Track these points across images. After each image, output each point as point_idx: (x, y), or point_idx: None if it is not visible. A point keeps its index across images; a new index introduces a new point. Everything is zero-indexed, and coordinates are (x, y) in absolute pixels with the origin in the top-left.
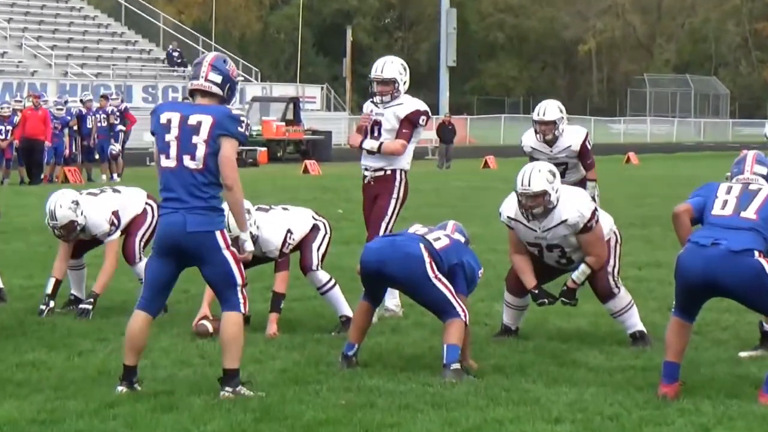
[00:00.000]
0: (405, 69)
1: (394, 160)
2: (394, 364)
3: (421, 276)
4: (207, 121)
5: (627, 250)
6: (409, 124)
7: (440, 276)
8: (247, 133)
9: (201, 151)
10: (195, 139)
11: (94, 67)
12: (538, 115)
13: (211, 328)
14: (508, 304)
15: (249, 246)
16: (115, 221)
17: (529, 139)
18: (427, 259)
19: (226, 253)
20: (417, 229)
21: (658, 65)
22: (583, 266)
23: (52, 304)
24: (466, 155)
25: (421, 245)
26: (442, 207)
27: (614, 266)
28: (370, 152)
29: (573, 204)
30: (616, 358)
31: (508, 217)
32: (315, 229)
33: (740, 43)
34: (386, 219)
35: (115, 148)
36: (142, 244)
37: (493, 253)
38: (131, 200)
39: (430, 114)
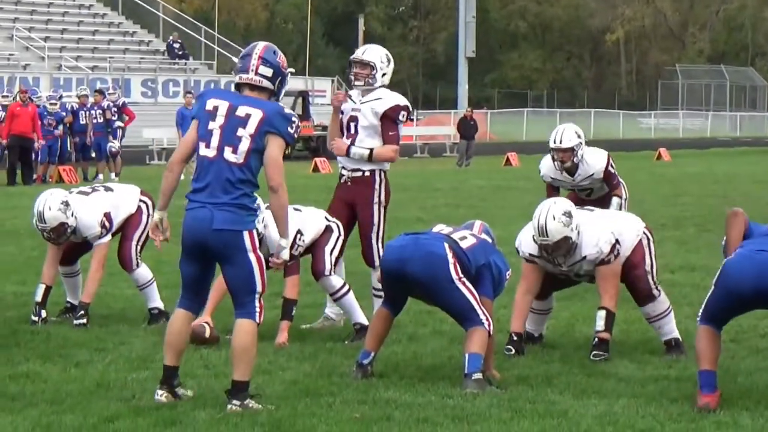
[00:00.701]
0: (389, 60)
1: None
2: (411, 375)
3: (444, 278)
4: (257, 115)
5: (659, 252)
6: (392, 122)
7: (464, 279)
8: (296, 135)
9: (245, 145)
10: (240, 132)
11: (89, 60)
12: (554, 142)
13: (207, 333)
14: (531, 309)
15: (285, 254)
16: (107, 223)
17: (548, 169)
18: (451, 260)
19: (252, 257)
20: (441, 228)
21: (691, 55)
22: (600, 313)
23: (44, 313)
24: (486, 152)
25: (446, 244)
26: (461, 207)
27: (652, 266)
28: (348, 158)
29: (592, 239)
30: (649, 368)
31: (530, 254)
32: (328, 230)
33: None
34: (375, 229)
35: (115, 145)
36: (139, 248)
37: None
38: (124, 199)
39: (410, 109)
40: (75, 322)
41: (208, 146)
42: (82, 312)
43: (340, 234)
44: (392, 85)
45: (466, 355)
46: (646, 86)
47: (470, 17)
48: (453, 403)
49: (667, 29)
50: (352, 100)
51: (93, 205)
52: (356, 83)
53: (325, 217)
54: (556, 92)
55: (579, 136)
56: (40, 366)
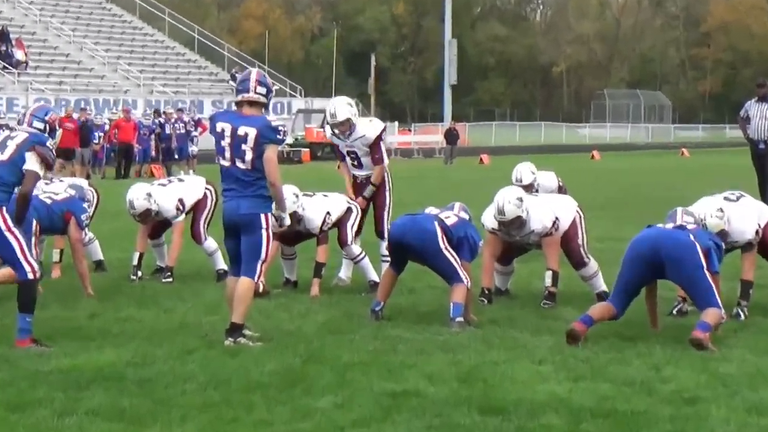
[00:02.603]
0: (352, 104)
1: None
2: (411, 318)
3: (434, 247)
4: (252, 132)
5: (592, 227)
6: (377, 146)
7: (449, 248)
8: (285, 139)
9: (249, 156)
10: (244, 147)
11: (173, 86)
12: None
13: (261, 289)
14: (497, 271)
15: (286, 221)
16: (181, 206)
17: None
18: (439, 234)
19: (264, 233)
20: (431, 210)
21: (615, 82)
22: (547, 273)
23: (139, 273)
24: (465, 154)
25: (436, 222)
26: (447, 193)
27: (582, 239)
28: (358, 169)
29: (538, 217)
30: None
31: (492, 228)
32: (349, 211)
33: (679, 64)
34: (386, 209)
35: (194, 149)
36: (206, 225)
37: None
38: (193, 187)
39: (385, 126)
40: (163, 280)
41: (224, 158)
42: (169, 273)
43: (358, 213)
44: (393, 106)
45: (451, 304)
46: (581, 104)
47: (453, 55)
48: (443, 339)
49: (597, 63)
50: (339, 138)
51: (170, 193)
52: (342, 136)
53: (347, 201)
54: (516, 110)
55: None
56: (137, 311)
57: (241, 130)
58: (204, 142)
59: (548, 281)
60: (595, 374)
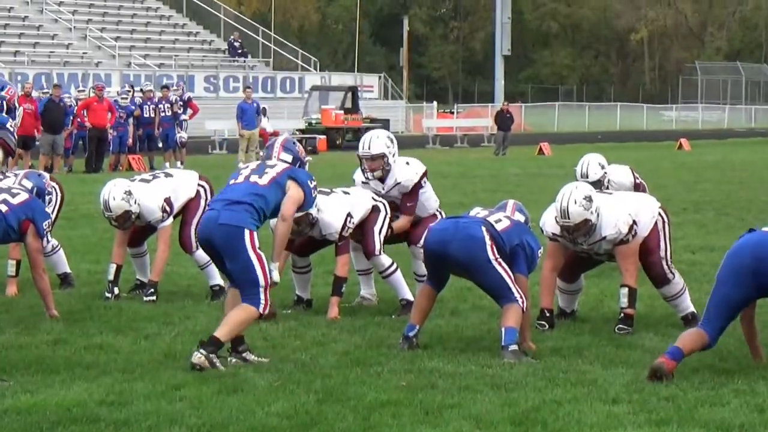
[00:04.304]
0: (393, 141)
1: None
2: (453, 347)
3: (482, 258)
4: (282, 165)
5: (681, 234)
6: (414, 193)
7: (500, 259)
8: (313, 196)
9: (269, 176)
10: (267, 170)
11: (156, 58)
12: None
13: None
14: (560, 290)
15: (276, 276)
16: (167, 208)
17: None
18: (488, 242)
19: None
20: (478, 212)
21: (709, 53)
22: (622, 290)
23: (116, 290)
24: (520, 142)
25: (483, 228)
26: (498, 193)
27: (665, 250)
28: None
29: (611, 221)
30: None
31: (553, 234)
32: (375, 210)
33: None
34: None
35: (184, 136)
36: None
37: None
38: (183, 184)
39: (426, 172)
40: (145, 298)
41: (235, 179)
42: (152, 289)
43: (387, 213)
44: (431, 83)
45: (503, 329)
46: (668, 82)
47: (506, 18)
48: (492, 372)
49: (687, 29)
50: (370, 182)
51: (154, 191)
52: (373, 175)
53: (373, 197)
54: (585, 87)
55: (603, 168)
56: (112, 338)
57: (272, 162)
58: (195, 127)
59: (624, 301)
60: (683, 417)
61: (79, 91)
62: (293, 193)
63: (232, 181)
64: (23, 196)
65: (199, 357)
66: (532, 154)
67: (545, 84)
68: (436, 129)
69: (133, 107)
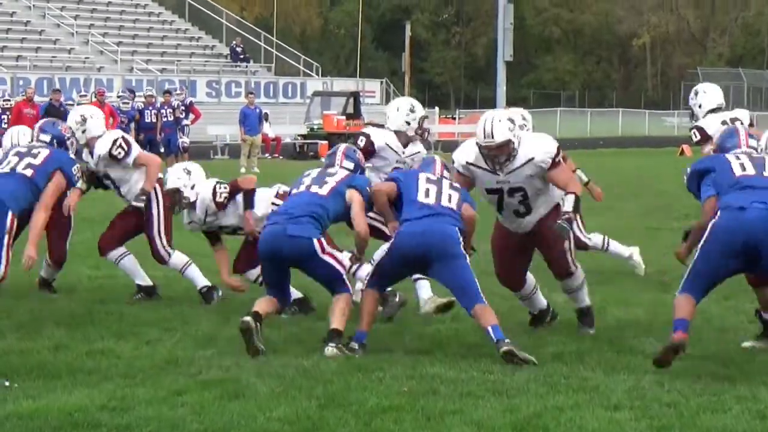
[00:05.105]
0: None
1: None
2: (454, 352)
3: (453, 253)
4: (342, 173)
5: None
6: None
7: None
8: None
9: (329, 185)
10: (328, 179)
11: (158, 63)
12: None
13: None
14: (520, 299)
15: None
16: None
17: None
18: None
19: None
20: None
21: (711, 59)
22: (568, 197)
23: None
24: None
25: (457, 227)
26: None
27: (569, 246)
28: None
29: (538, 143)
30: None
31: (466, 162)
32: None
33: None
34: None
35: (186, 141)
36: (164, 240)
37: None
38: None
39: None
40: (135, 297)
41: (297, 188)
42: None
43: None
44: (433, 89)
45: (488, 329)
46: (670, 87)
47: (508, 24)
48: (494, 378)
49: (689, 35)
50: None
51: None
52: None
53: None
54: (587, 93)
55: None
56: (114, 343)
57: (332, 170)
58: (197, 132)
59: (568, 206)
60: (685, 424)
61: (81, 96)
62: (357, 200)
63: (294, 191)
64: (44, 152)
65: (331, 350)
66: None
67: (547, 90)
68: (438, 134)
69: (134, 112)
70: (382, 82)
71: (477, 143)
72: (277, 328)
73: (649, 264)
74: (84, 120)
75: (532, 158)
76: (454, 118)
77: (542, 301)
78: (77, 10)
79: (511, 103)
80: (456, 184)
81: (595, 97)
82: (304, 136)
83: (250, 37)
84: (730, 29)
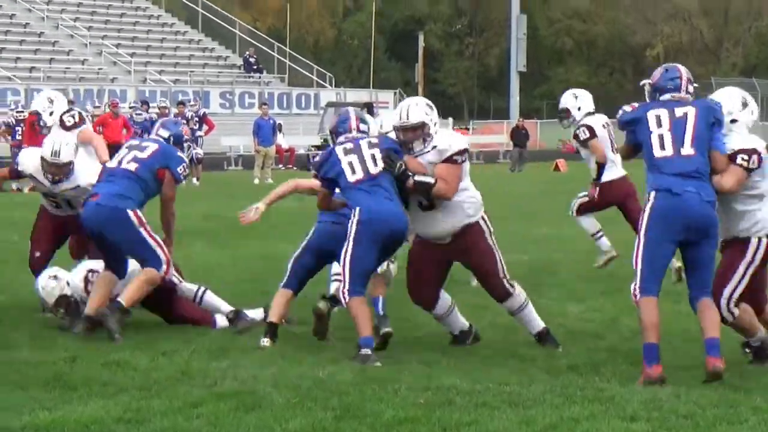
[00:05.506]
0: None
1: None
2: (470, 363)
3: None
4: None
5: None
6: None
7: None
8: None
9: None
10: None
11: (172, 74)
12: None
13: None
14: (437, 317)
15: None
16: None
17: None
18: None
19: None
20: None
21: (725, 69)
22: (432, 179)
23: None
24: (536, 158)
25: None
26: (513, 208)
27: (502, 268)
28: None
29: (448, 135)
30: (688, 358)
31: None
32: None
33: None
34: None
35: (200, 152)
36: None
37: (564, 253)
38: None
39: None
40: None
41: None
42: None
43: None
44: (447, 99)
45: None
46: None
47: (521, 34)
48: (509, 390)
49: (702, 45)
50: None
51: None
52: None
53: None
54: (600, 103)
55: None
56: (129, 355)
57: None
58: (210, 143)
59: (420, 178)
60: None
61: (94, 107)
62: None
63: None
64: (153, 147)
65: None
66: (548, 170)
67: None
68: None
69: (148, 123)
70: (395, 93)
71: (393, 127)
72: (291, 339)
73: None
74: (51, 102)
75: (436, 145)
76: (468, 129)
77: (461, 322)
78: (90, 20)
79: (523, 113)
80: (374, 139)
81: (608, 107)
82: (317, 147)
83: (264, 48)
84: (743, 39)
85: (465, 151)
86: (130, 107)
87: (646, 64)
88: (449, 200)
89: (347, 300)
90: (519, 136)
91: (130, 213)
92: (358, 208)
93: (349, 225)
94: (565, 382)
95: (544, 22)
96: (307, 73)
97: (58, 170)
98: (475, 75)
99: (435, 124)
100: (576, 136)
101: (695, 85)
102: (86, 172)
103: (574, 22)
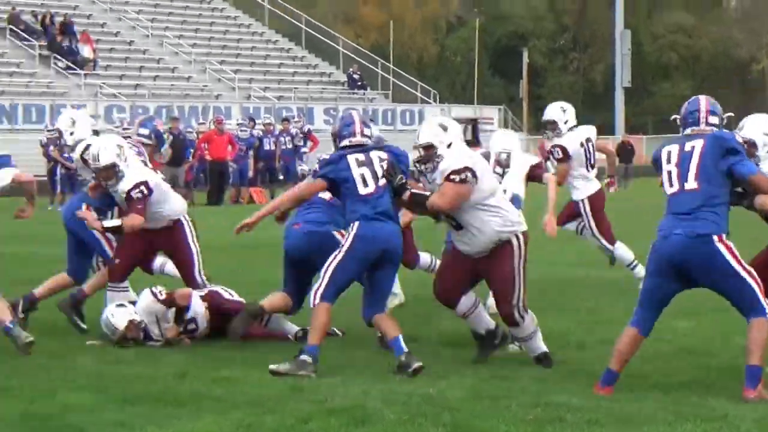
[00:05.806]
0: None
1: None
2: (581, 380)
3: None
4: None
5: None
6: None
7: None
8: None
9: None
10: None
11: (276, 90)
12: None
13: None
14: (463, 317)
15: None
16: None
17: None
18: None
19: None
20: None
21: None
22: (428, 193)
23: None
24: (643, 174)
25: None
26: (620, 226)
27: (518, 297)
28: None
29: (454, 156)
30: None
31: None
32: None
33: None
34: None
35: (305, 168)
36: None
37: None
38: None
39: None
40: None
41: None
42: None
43: None
44: None
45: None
46: None
47: (626, 50)
48: (620, 407)
49: None
50: None
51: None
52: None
53: None
54: None
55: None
56: (239, 371)
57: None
58: (314, 160)
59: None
60: None
61: (199, 124)
62: None
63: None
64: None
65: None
66: (654, 186)
67: (666, 115)
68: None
69: (254, 140)
70: (499, 109)
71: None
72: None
73: None
74: (73, 122)
75: (440, 167)
76: None
77: (486, 321)
78: (194, 38)
79: (629, 128)
80: (383, 154)
81: None
82: None
83: (367, 64)
84: None
85: (464, 170)
86: (237, 124)
87: (752, 78)
88: (444, 211)
89: (317, 302)
90: (625, 151)
91: None
92: (358, 223)
93: (347, 235)
94: (677, 400)
95: (649, 37)
96: (411, 90)
97: (102, 174)
98: (580, 90)
99: (448, 145)
100: (551, 153)
101: (724, 115)
102: (130, 178)
103: (679, 37)
